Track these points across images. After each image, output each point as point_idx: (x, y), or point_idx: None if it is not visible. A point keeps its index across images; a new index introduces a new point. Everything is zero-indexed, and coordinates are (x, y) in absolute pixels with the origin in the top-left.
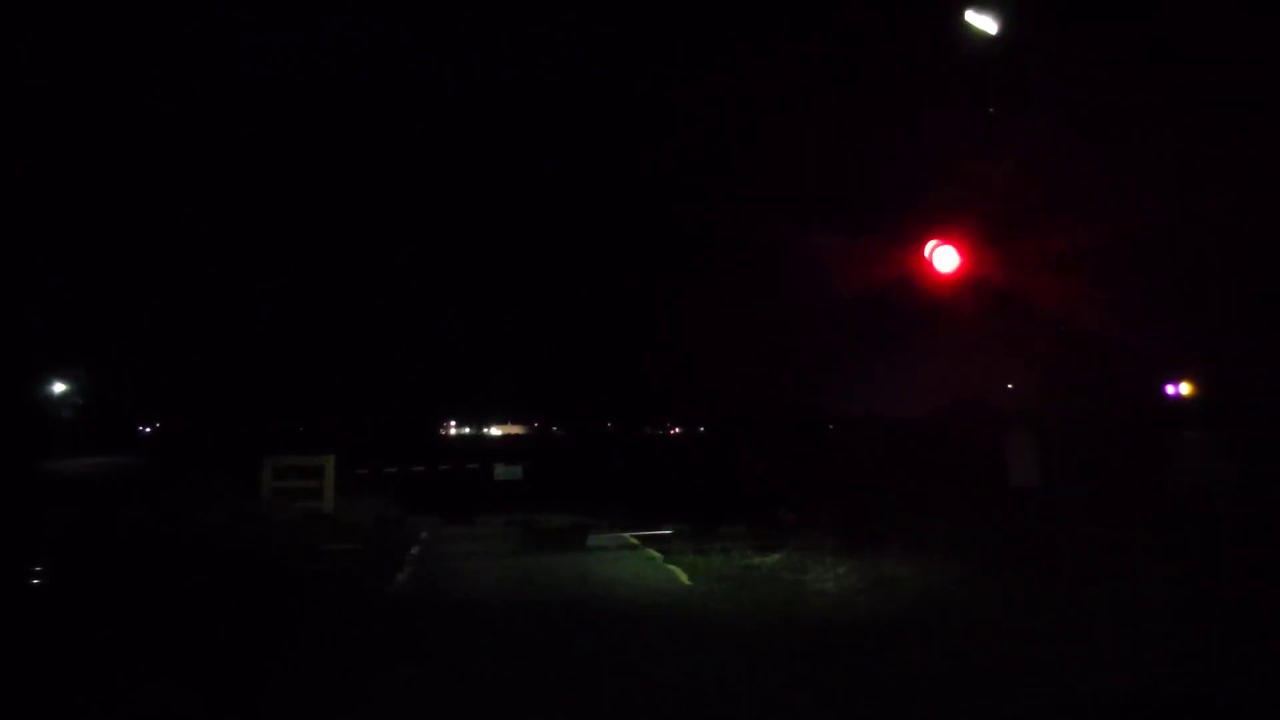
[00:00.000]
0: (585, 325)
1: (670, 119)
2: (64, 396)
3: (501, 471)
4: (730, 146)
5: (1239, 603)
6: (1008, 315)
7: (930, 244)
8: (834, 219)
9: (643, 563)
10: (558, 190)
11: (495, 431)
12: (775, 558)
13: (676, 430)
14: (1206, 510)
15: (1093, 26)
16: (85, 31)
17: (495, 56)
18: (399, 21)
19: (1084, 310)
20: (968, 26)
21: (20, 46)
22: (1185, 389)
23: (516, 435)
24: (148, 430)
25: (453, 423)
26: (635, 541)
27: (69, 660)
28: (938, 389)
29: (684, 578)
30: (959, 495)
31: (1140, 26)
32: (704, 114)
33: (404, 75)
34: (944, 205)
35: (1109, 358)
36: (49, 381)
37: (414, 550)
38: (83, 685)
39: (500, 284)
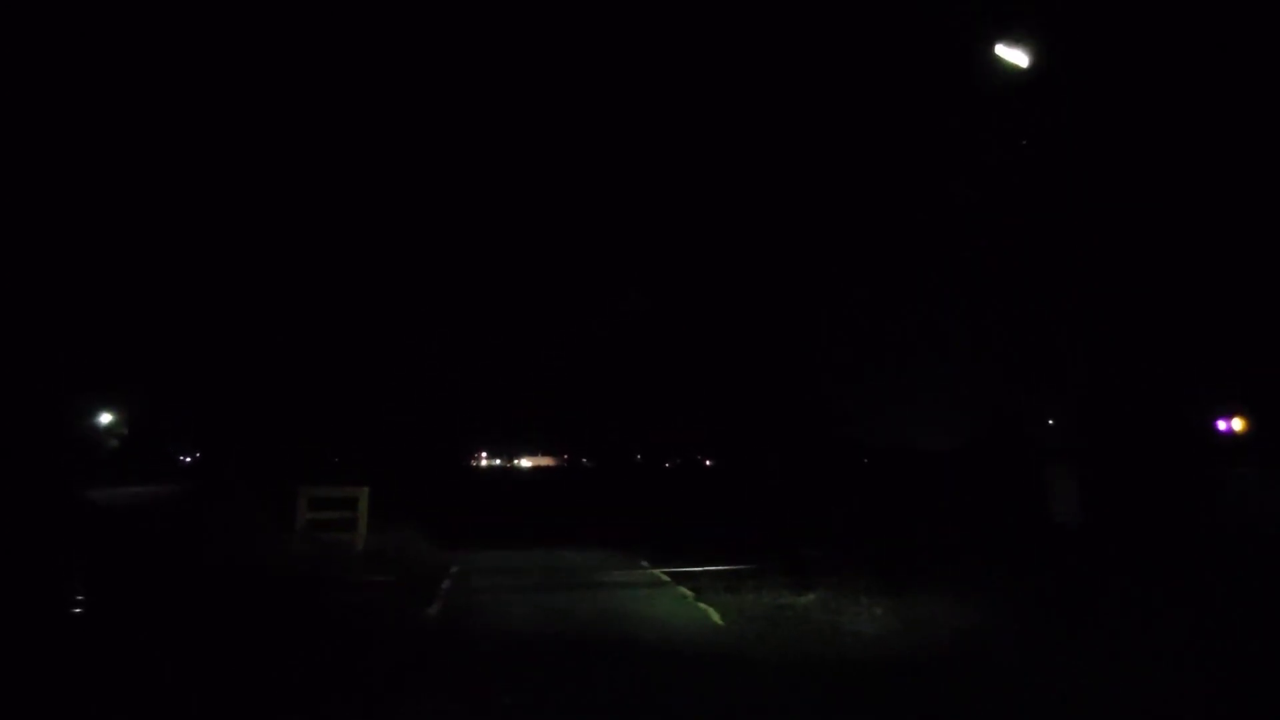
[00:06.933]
0: (614, 358)
1: (687, 138)
2: (110, 427)
3: (529, 503)
4: (755, 170)
5: None
6: (1047, 344)
7: None
8: (865, 250)
9: (673, 600)
10: (590, 222)
11: (526, 463)
12: (809, 597)
13: (709, 463)
14: (1258, 549)
15: (1126, 60)
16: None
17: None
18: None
19: (1132, 343)
20: (999, 60)
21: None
22: (1238, 425)
23: (547, 467)
24: (188, 460)
25: (484, 454)
26: (666, 578)
27: (106, 683)
28: (973, 420)
29: (716, 617)
30: (997, 531)
31: (1173, 60)
32: (726, 133)
33: (434, 118)
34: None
35: (1158, 392)
36: (97, 413)
37: (445, 584)
38: (119, 707)
39: (534, 318)
